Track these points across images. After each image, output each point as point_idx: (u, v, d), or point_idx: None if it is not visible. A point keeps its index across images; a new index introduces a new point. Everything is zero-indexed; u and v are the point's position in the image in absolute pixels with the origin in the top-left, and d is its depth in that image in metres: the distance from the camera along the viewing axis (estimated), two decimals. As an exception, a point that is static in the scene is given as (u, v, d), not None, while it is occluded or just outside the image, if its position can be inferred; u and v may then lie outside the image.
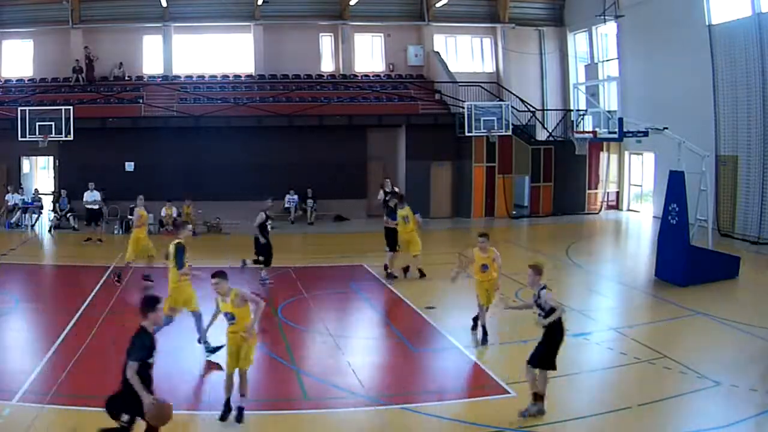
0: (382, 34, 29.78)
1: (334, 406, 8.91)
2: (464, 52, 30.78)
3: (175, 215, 22.58)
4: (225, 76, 28.39)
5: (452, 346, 11.14)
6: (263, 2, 27.78)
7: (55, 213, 23.74)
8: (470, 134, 24.47)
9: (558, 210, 26.73)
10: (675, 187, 15.17)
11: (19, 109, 22.81)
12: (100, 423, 8.22)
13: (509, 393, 9.08)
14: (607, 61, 28.77)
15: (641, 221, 25.64)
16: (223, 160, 24.96)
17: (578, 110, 22.93)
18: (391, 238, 16.14)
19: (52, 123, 22.48)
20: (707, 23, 21.75)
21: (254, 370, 8.65)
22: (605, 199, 27.86)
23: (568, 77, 30.91)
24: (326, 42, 29.65)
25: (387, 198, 17.86)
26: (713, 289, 14.62)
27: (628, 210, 27.61)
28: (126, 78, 27.33)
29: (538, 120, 28.10)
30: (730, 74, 21.06)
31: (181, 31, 28.41)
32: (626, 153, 27.37)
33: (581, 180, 27.20)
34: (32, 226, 23.61)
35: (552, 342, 8.22)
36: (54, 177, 26.45)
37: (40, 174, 30.74)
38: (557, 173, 26.74)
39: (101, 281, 15.40)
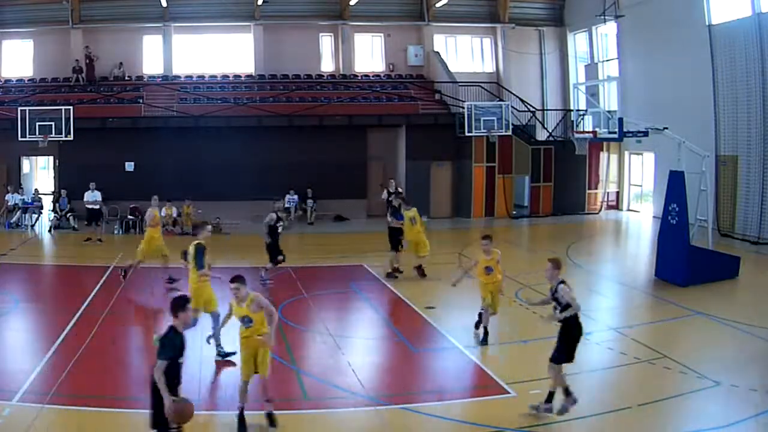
0: (382, 34, 29.78)
1: (334, 406, 8.92)
2: (464, 52, 30.78)
3: (175, 215, 22.61)
4: (225, 76, 28.38)
5: (452, 346, 11.14)
6: (263, 2, 27.77)
7: (55, 213, 23.74)
8: (470, 134, 24.48)
9: (558, 210, 26.74)
10: (675, 187, 15.18)
11: (19, 109, 22.81)
12: (100, 423, 8.23)
13: (509, 393, 9.08)
14: (607, 61, 28.77)
15: (641, 221, 25.64)
16: (223, 160, 24.95)
17: (578, 110, 22.95)
18: (395, 238, 16.19)
19: (52, 123, 22.49)
20: (707, 23, 21.75)
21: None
22: (605, 199, 27.86)
23: (568, 77, 30.91)
24: (326, 42, 29.64)
25: (390, 198, 17.86)
26: (713, 289, 14.61)
27: (628, 210, 27.61)
28: (126, 78, 27.32)
29: (538, 120, 28.10)
30: (730, 74, 21.05)
31: (181, 31, 28.41)
32: (626, 153, 27.37)
33: (581, 180, 27.21)
34: (32, 226, 23.60)
35: (569, 337, 8.23)
36: (54, 177, 26.44)
37: (40, 174, 30.73)
38: (557, 173, 26.74)
39: (101, 281, 15.41)
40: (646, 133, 16.81)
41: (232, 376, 9.57)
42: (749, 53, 20.11)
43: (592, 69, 29.06)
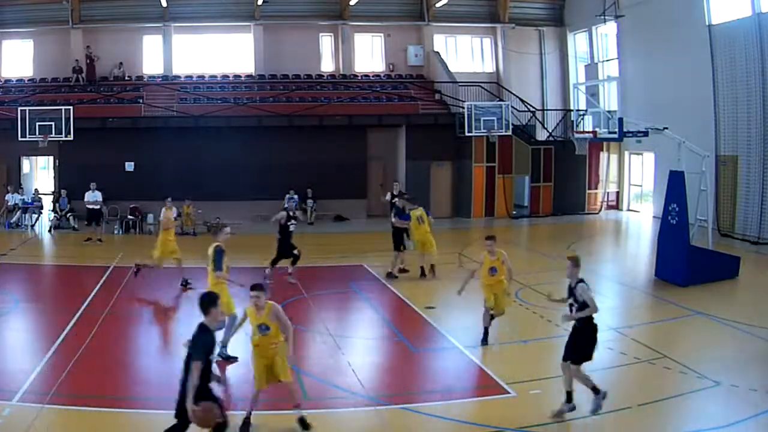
0: (382, 34, 29.77)
1: (334, 406, 8.92)
2: (464, 52, 30.77)
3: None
4: (225, 76, 28.38)
5: (452, 346, 11.13)
6: (263, 2, 27.77)
7: (55, 213, 23.74)
8: (470, 134, 24.48)
9: (558, 210, 26.74)
10: (675, 187, 15.17)
11: (19, 109, 22.81)
12: (100, 423, 8.23)
13: (509, 393, 9.08)
14: (607, 61, 28.76)
15: (641, 221, 25.64)
16: (223, 160, 24.95)
17: (578, 110, 22.94)
18: (398, 238, 16.19)
19: (52, 123, 22.48)
20: (707, 23, 21.75)
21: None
22: (605, 199, 27.87)
23: (568, 77, 30.90)
24: (326, 42, 29.64)
25: (393, 200, 17.89)
26: (713, 289, 14.61)
27: (628, 210, 27.61)
28: (126, 78, 27.32)
29: (538, 120, 28.10)
30: (730, 74, 21.05)
31: (181, 31, 28.40)
32: (626, 153, 27.37)
33: (581, 180, 27.21)
34: (32, 226, 23.61)
35: (586, 337, 8.22)
36: (54, 177, 26.44)
37: (40, 174, 30.71)
38: (557, 173, 26.75)
39: (101, 281, 15.41)
40: (646, 133, 16.81)
41: (231, 376, 9.61)
42: (749, 53, 20.11)
43: (592, 69, 29.06)
